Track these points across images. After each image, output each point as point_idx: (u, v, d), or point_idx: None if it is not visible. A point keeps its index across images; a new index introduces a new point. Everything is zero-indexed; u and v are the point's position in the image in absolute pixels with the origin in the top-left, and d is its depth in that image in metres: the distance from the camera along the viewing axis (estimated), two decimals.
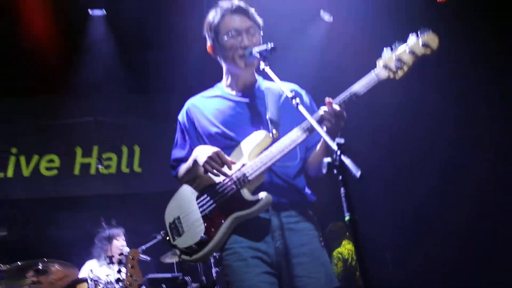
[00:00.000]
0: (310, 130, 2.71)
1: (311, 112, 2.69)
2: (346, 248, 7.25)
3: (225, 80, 3.16)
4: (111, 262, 5.81)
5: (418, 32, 2.68)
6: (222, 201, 2.84)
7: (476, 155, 7.22)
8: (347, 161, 2.11)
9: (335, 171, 2.15)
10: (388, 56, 2.69)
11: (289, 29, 6.91)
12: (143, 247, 6.02)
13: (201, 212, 2.88)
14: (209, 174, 2.84)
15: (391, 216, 7.80)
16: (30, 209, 7.55)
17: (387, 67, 2.68)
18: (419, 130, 7.53)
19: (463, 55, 6.91)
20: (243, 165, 2.83)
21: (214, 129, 2.99)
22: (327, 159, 2.17)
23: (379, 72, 2.70)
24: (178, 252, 2.93)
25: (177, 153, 3.15)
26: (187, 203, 2.96)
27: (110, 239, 6.29)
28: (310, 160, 3.02)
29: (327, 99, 2.67)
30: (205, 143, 2.99)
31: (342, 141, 2.20)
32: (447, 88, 7.23)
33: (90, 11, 7.18)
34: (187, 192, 3.01)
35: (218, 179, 2.88)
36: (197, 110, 3.10)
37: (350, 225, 2.10)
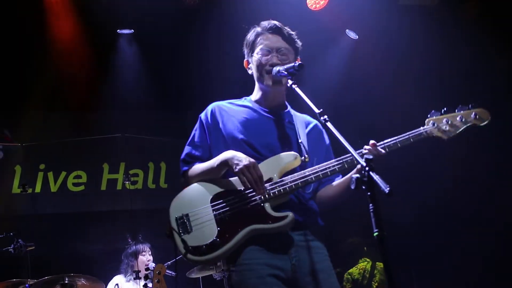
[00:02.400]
0: (342, 164, 2.85)
1: (322, 143, 3.16)
2: (358, 267, 7.12)
3: (255, 95, 3.23)
4: (138, 277, 5.85)
5: (470, 105, 2.95)
6: (241, 210, 2.84)
7: None
8: (375, 177, 2.13)
9: (363, 187, 2.16)
10: (438, 117, 2.95)
11: (315, 47, 6.93)
12: (169, 262, 6.04)
13: (215, 215, 2.85)
14: (234, 180, 2.89)
15: (417, 232, 7.69)
16: (57, 224, 7.61)
17: (437, 127, 2.93)
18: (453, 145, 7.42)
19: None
20: (270, 179, 2.87)
21: (240, 135, 3.02)
22: (356, 175, 2.19)
23: (429, 129, 2.93)
24: (182, 249, 2.82)
25: (193, 149, 3.13)
26: (199, 202, 2.91)
27: (136, 254, 6.32)
28: (320, 194, 3.11)
29: (372, 141, 2.84)
30: (226, 147, 3.00)
31: (370, 157, 2.22)
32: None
33: (119, 30, 7.34)
34: (200, 191, 2.96)
35: (241, 186, 2.87)
36: (224, 113, 3.13)
37: (378, 242, 2.10)
